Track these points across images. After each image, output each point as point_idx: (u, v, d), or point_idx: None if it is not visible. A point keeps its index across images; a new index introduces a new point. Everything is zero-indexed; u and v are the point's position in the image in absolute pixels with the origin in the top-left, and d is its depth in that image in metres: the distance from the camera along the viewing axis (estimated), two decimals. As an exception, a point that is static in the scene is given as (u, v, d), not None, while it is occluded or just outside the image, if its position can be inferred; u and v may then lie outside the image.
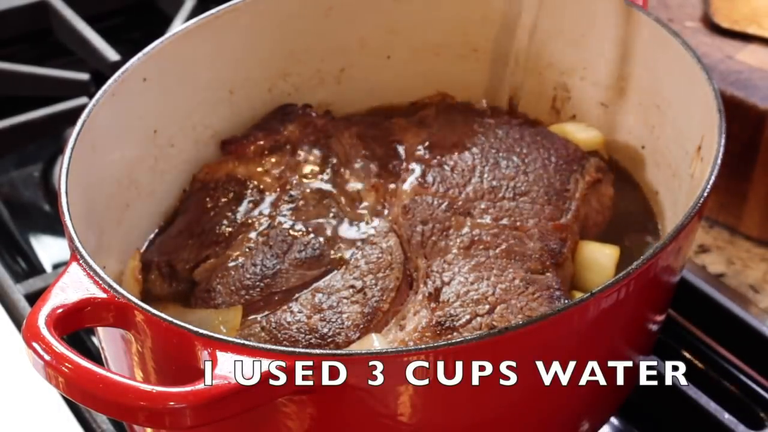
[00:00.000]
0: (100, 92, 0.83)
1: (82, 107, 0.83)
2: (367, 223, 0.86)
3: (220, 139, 0.95)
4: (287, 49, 0.97)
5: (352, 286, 0.79)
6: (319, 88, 1.00)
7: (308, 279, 0.81)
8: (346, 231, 0.85)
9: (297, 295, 0.80)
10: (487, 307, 0.76)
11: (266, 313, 0.79)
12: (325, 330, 0.76)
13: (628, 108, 0.94)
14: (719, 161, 0.75)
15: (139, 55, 0.87)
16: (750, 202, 1.01)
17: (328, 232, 0.84)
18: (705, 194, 0.72)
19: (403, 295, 0.80)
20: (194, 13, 1.22)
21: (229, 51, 0.94)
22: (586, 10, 0.94)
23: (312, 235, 0.84)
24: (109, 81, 0.84)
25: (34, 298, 0.89)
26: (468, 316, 0.76)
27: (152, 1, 1.35)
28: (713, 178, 0.73)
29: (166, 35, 0.89)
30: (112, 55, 1.19)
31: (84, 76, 1.19)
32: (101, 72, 1.18)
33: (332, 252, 0.83)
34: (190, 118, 0.93)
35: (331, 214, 0.86)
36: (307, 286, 0.80)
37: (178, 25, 1.15)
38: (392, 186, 0.89)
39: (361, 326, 0.76)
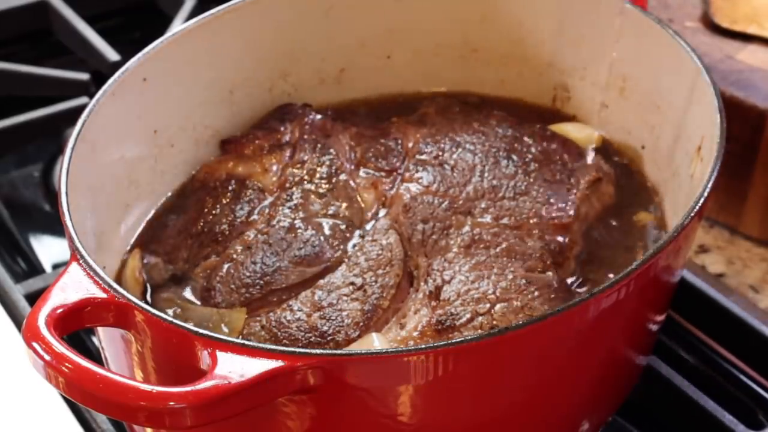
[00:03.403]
0: (100, 92, 0.83)
1: (82, 107, 0.83)
2: (367, 220, 0.86)
3: (220, 139, 0.95)
4: (287, 49, 0.97)
5: (352, 284, 0.79)
6: (319, 88, 1.00)
7: (308, 277, 0.81)
8: (346, 229, 0.85)
9: (297, 293, 0.80)
10: (488, 306, 0.76)
11: (266, 311, 0.79)
12: (325, 328, 0.76)
13: (628, 108, 0.94)
14: (719, 161, 0.75)
15: (139, 55, 0.87)
16: (750, 202, 1.01)
17: (328, 230, 0.84)
18: (705, 194, 0.72)
19: (404, 292, 0.80)
20: (194, 13, 1.22)
21: (229, 51, 0.94)
22: (586, 10, 0.94)
23: (312, 233, 0.84)
24: (109, 81, 0.84)
25: (34, 298, 0.89)
26: (469, 315, 0.76)
27: (152, 1, 1.35)
28: (713, 178, 0.73)
29: (166, 35, 0.89)
30: (112, 55, 1.19)
31: (84, 76, 1.19)
32: (101, 72, 1.17)
33: (332, 249, 0.83)
34: (190, 118, 0.93)
35: (331, 213, 0.86)
36: (307, 284, 0.80)
37: (178, 25, 1.15)
38: (392, 185, 0.89)
39: (361, 324, 0.77)
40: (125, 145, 0.87)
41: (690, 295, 0.92)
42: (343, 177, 0.90)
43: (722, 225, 1.04)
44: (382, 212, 0.87)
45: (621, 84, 0.94)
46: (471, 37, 1.00)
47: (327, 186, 0.89)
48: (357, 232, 0.85)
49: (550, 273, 0.80)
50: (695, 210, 0.71)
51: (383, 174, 0.90)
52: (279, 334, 0.77)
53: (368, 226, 0.86)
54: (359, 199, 0.88)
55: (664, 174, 0.89)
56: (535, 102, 1.00)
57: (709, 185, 0.73)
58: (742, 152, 0.99)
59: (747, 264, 1.00)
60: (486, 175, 0.88)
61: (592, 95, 0.97)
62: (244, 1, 0.93)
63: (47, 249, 1.10)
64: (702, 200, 0.72)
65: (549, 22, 0.97)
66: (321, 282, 0.80)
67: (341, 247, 0.83)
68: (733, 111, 0.96)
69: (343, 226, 0.85)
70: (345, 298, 0.79)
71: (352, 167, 0.91)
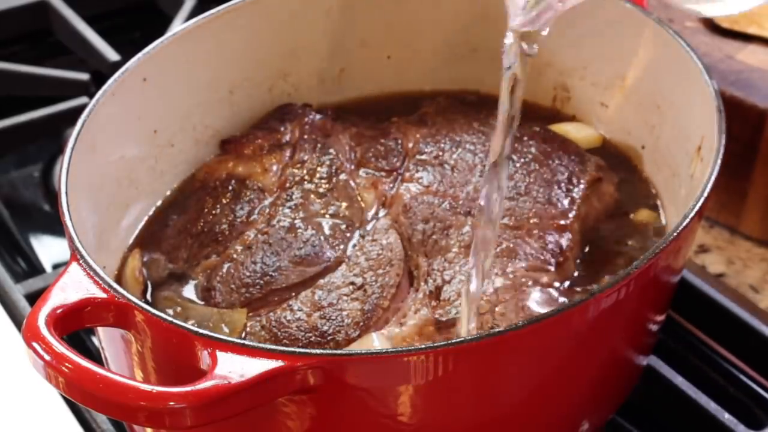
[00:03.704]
0: (100, 92, 0.83)
1: (82, 107, 0.83)
2: (367, 220, 0.86)
3: (220, 139, 0.95)
4: (287, 49, 0.97)
5: (352, 283, 0.80)
6: (319, 88, 1.00)
7: (308, 276, 0.81)
8: (346, 229, 0.85)
9: (297, 293, 0.80)
10: (488, 306, 0.76)
11: (266, 311, 0.79)
12: (325, 328, 0.76)
13: (628, 108, 0.94)
14: (719, 161, 0.75)
15: (139, 55, 0.87)
16: (750, 202, 1.01)
17: (328, 230, 0.84)
18: (705, 194, 0.72)
19: (404, 292, 0.80)
20: (194, 13, 1.22)
21: (229, 51, 0.94)
22: (586, 10, 0.94)
23: (312, 233, 0.84)
24: (109, 81, 0.84)
25: (34, 298, 0.89)
26: (468, 315, 0.76)
27: (152, 1, 1.35)
28: (713, 178, 0.73)
29: (166, 35, 0.89)
30: (112, 55, 1.19)
31: (84, 76, 1.19)
32: (101, 72, 1.17)
33: (332, 249, 0.83)
34: (190, 118, 0.93)
35: (331, 212, 0.86)
36: (307, 284, 0.80)
37: (178, 25, 1.15)
38: (392, 185, 0.89)
39: (361, 324, 0.77)
40: (125, 145, 0.87)
41: (690, 295, 0.92)
42: (343, 177, 0.90)
43: (722, 225, 1.04)
44: (382, 212, 0.87)
45: (621, 84, 0.94)
46: (471, 37, 1.00)
47: (327, 186, 0.89)
48: (357, 232, 0.85)
49: (549, 273, 0.80)
50: (695, 210, 0.71)
51: (383, 174, 0.90)
52: (279, 333, 0.77)
53: (368, 226, 0.86)
54: (359, 198, 0.88)
55: (664, 174, 0.89)
56: (535, 102, 1.00)
57: (709, 185, 0.73)
58: (742, 152, 0.99)
59: (747, 264, 1.00)
60: (486, 175, 0.88)
61: (592, 95, 0.97)
62: (244, 1, 0.93)
63: (47, 249, 1.09)
64: (702, 200, 0.72)
65: (549, 22, 0.97)
66: (321, 282, 0.80)
67: (341, 246, 0.83)
68: (733, 111, 0.96)
69: (343, 226, 0.85)
70: (345, 297, 0.79)
71: (352, 167, 0.91)
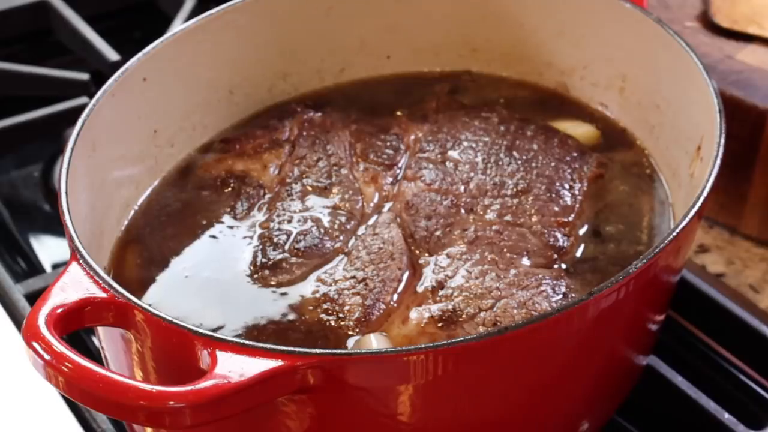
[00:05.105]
0: (100, 92, 0.83)
1: (82, 107, 0.83)
2: (368, 215, 0.86)
3: (220, 139, 0.95)
4: (287, 49, 0.98)
5: (354, 277, 0.79)
6: (319, 89, 1.00)
7: (309, 270, 0.81)
8: (347, 222, 0.85)
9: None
10: (491, 302, 0.76)
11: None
12: (327, 324, 0.76)
13: (628, 108, 0.94)
14: (719, 161, 0.75)
15: (139, 55, 0.87)
16: (750, 202, 1.01)
17: (328, 224, 0.84)
18: (705, 194, 0.72)
19: (406, 287, 0.80)
20: (194, 13, 1.22)
21: (229, 51, 0.94)
22: (586, 10, 0.94)
23: (312, 227, 0.84)
24: (109, 81, 0.84)
25: (34, 298, 0.89)
26: (471, 311, 0.76)
27: (152, 1, 1.35)
28: (713, 178, 0.73)
29: (166, 35, 0.90)
30: (112, 55, 1.19)
31: (84, 76, 1.19)
32: (101, 72, 1.17)
33: (333, 243, 0.83)
34: (190, 118, 0.93)
35: (331, 207, 0.86)
36: (308, 278, 0.80)
37: (178, 25, 1.15)
38: (393, 180, 0.89)
39: (363, 320, 0.76)
40: (125, 145, 0.87)
41: (690, 295, 0.92)
42: (343, 171, 0.90)
43: (722, 225, 1.04)
44: (384, 207, 0.87)
45: (621, 84, 0.94)
46: (471, 37, 1.01)
47: (327, 181, 0.89)
48: (358, 226, 0.85)
49: (552, 270, 0.80)
50: (695, 210, 0.71)
51: (383, 168, 0.90)
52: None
53: (370, 220, 0.86)
54: (360, 192, 0.88)
55: (664, 174, 0.89)
56: (536, 101, 1.00)
57: (709, 185, 0.73)
58: (742, 152, 0.99)
59: (747, 264, 1.01)
60: (488, 172, 0.88)
61: (592, 95, 0.97)
62: (244, 1, 0.93)
63: (47, 249, 1.10)
64: (702, 200, 0.72)
65: (549, 22, 0.97)
66: (322, 276, 0.80)
67: (342, 240, 0.83)
68: (733, 111, 0.96)
69: (343, 220, 0.85)
70: (347, 292, 0.78)
71: (352, 162, 0.91)
